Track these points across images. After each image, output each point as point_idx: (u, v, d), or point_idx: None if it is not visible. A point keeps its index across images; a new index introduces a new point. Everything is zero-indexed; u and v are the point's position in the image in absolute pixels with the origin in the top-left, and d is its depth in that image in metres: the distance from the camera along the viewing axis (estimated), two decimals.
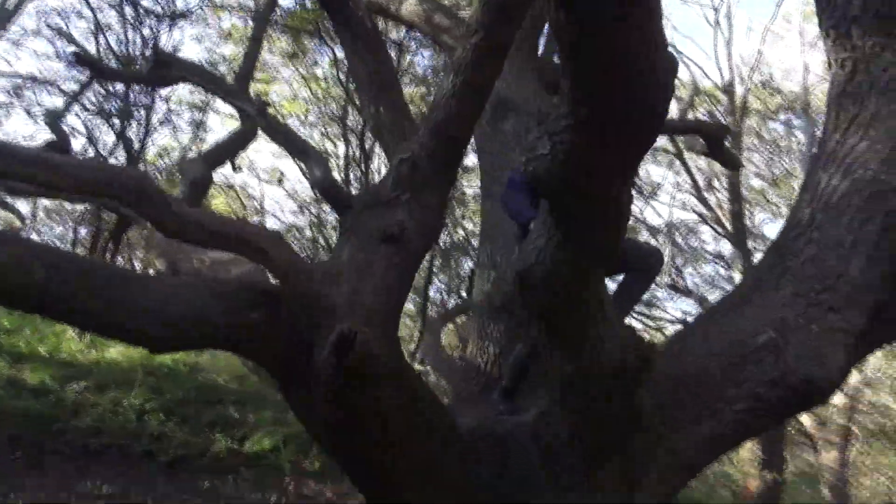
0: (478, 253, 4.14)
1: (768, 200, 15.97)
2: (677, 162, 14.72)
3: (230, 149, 6.06)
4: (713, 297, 13.86)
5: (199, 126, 12.55)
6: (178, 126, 12.14)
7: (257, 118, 2.86)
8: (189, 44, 38.65)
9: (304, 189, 14.04)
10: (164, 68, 2.82)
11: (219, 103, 11.96)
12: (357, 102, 10.64)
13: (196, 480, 4.60)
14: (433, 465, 2.79)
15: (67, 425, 4.93)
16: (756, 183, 16.17)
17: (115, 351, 6.39)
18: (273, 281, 2.68)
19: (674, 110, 14.10)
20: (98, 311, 2.37)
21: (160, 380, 5.75)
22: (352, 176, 12.67)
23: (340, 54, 11.56)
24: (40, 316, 3.30)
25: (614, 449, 2.71)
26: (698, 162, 14.37)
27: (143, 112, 10.54)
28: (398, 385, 2.60)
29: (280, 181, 14.63)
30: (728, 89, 15.02)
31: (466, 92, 2.64)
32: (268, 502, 4.44)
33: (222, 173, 11.81)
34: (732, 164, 8.43)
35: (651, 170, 15.89)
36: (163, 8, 9.73)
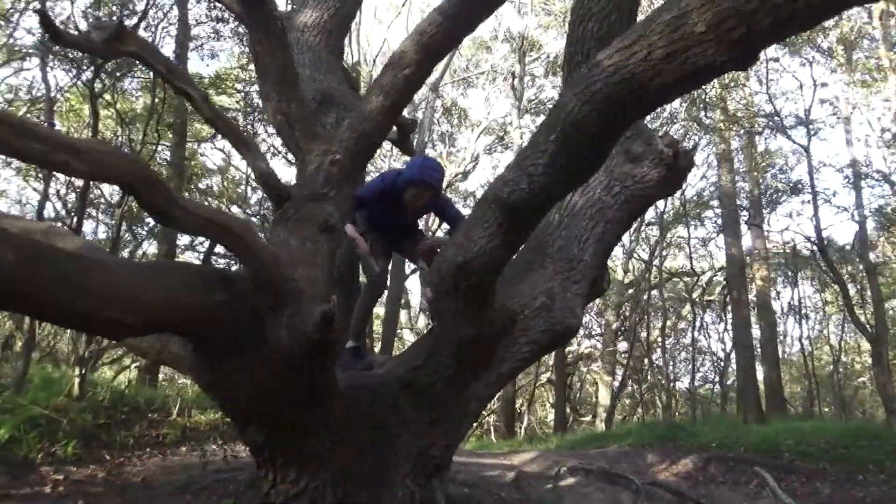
0: None
1: None
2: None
3: None
4: None
5: None
6: None
7: (203, 106, 2.77)
8: None
9: None
10: (121, 43, 2.48)
11: None
12: None
13: None
14: (338, 416, 3.34)
15: None
16: None
17: None
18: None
19: None
20: (69, 301, 2.25)
21: None
22: None
23: None
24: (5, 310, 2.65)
25: (466, 386, 3.71)
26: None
27: None
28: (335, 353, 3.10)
29: None
30: (356, 67, 17.01)
31: (391, 111, 3.24)
32: (45, 495, 3.97)
33: None
34: (409, 153, 10.09)
35: None
36: None
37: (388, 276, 3.97)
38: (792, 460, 7.27)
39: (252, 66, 9.89)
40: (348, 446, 3.45)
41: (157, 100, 8.68)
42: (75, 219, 6.97)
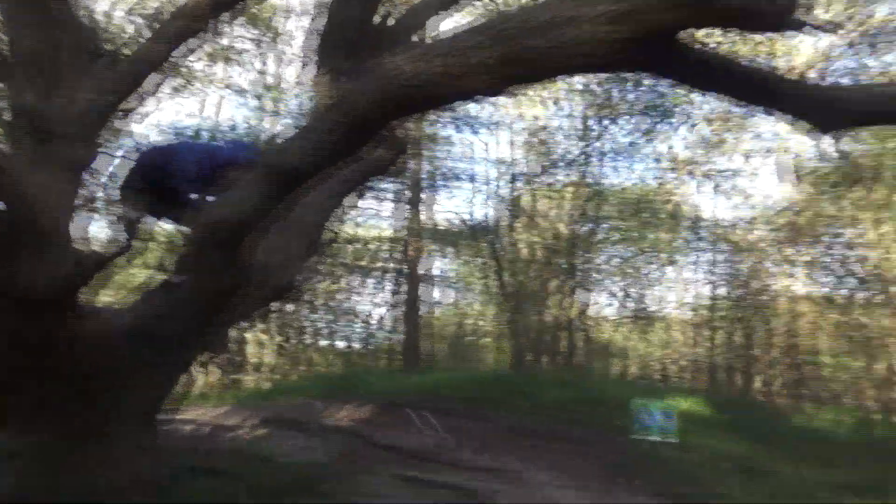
0: None
1: None
2: None
3: None
4: None
5: None
6: None
7: None
8: None
9: None
10: None
11: None
12: None
13: None
14: (76, 364, 3.24)
15: None
16: None
17: None
18: None
19: None
20: None
21: None
22: None
23: None
24: None
25: (204, 336, 3.88)
26: None
27: None
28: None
29: None
30: None
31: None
32: None
33: None
34: None
35: None
36: None
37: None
38: (447, 404, 8.80)
39: None
40: (81, 395, 3.35)
41: None
42: None
